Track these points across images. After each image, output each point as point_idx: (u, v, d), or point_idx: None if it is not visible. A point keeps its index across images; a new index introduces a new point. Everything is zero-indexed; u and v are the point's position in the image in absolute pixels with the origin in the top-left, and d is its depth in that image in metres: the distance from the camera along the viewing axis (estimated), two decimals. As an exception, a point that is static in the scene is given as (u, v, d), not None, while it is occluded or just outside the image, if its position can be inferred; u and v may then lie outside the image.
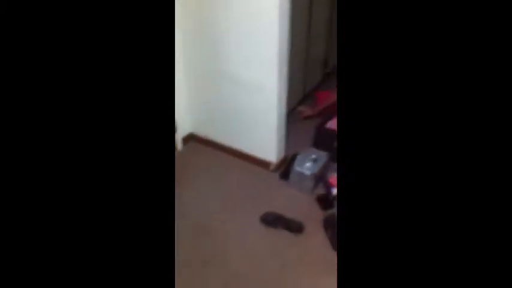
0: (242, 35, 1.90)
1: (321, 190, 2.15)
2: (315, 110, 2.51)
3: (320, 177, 2.14)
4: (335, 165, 2.24)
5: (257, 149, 2.32)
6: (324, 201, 2.06)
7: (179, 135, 2.48)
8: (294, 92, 2.65)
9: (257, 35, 1.84)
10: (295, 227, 1.93)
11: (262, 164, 2.33)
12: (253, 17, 1.79)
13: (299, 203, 2.10)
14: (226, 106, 2.26)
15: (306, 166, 2.10)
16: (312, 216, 2.00)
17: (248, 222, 1.98)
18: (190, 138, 2.59)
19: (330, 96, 2.54)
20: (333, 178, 2.08)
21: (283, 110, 2.15)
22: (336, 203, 2.05)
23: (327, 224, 1.93)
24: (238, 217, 2.02)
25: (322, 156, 2.16)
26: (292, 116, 2.70)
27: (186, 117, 2.48)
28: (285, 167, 2.28)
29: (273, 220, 1.97)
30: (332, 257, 1.79)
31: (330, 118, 2.38)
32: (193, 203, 2.11)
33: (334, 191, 2.06)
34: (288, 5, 1.77)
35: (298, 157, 2.19)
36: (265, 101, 2.06)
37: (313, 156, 2.13)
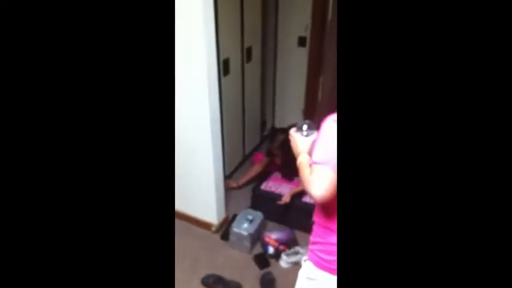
0: (178, 101, 1.99)
1: (258, 249, 2.28)
2: (239, 182, 2.76)
3: (257, 237, 2.29)
4: (270, 224, 2.41)
5: (199, 210, 2.44)
6: (260, 260, 2.19)
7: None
8: (233, 155, 2.86)
9: (190, 103, 2.03)
10: (233, 288, 2.03)
11: (205, 225, 2.45)
12: (186, 85, 1.98)
13: (238, 263, 2.22)
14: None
15: (243, 227, 2.25)
16: (250, 276, 2.12)
17: (189, 285, 2.05)
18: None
19: (261, 161, 2.79)
20: (268, 237, 2.24)
21: (221, 173, 2.33)
22: (271, 261, 2.20)
23: (263, 282, 2.05)
24: (179, 279, 2.07)
25: (258, 216, 2.33)
26: (232, 178, 2.89)
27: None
28: (226, 228, 2.41)
29: (213, 282, 2.06)
30: (268, 315, 1.89)
31: (264, 180, 2.59)
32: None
33: (270, 249, 2.21)
34: (215, 76, 2.00)
35: (237, 218, 2.34)
36: (202, 164, 2.22)
37: (250, 217, 2.30)
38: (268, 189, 2.50)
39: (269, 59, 3.18)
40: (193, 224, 2.47)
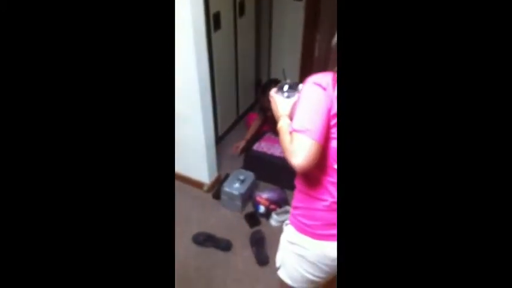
0: None
1: (249, 208, 2.30)
2: (245, 140, 2.69)
3: (248, 196, 2.30)
4: (261, 184, 2.42)
5: (191, 170, 2.44)
6: (251, 219, 2.22)
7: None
8: (226, 114, 2.81)
9: (178, 73, 1.97)
10: (223, 245, 2.07)
11: (196, 184, 2.46)
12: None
13: (229, 222, 2.25)
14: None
15: (235, 187, 2.25)
16: (240, 234, 2.15)
17: (180, 242, 2.09)
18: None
19: (254, 120, 2.74)
20: (260, 197, 2.24)
21: (211, 135, 2.29)
22: (261, 220, 2.22)
23: (253, 240, 2.08)
24: (170, 239, 2.12)
25: (250, 176, 2.33)
26: (226, 138, 2.86)
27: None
28: (217, 188, 2.41)
29: (203, 240, 2.09)
30: (257, 271, 1.94)
31: (256, 140, 2.56)
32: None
33: (261, 208, 2.23)
34: (203, 31, 1.90)
35: (228, 178, 2.34)
36: (192, 130, 2.19)
37: (241, 177, 2.29)
38: (260, 149, 2.48)
39: (264, 13, 3.02)
40: (185, 183, 2.48)
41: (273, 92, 1.15)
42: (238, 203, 2.25)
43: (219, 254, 2.04)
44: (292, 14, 2.95)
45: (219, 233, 2.13)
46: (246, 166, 2.49)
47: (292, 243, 1.15)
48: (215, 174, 2.48)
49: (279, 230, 2.15)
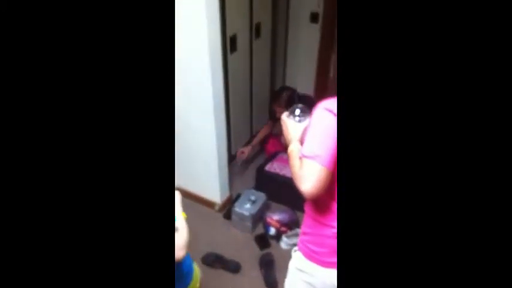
0: (181, 86, 2.03)
1: (260, 230, 2.28)
2: (248, 151, 2.68)
3: (259, 218, 2.28)
4: (272, 205, 2.40)
5: (202, 189, 2.44)
6: (261, 241, 2.19)
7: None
8: (239, 134, 2.82)
9: (193, 87, 2.00)
10: (232, 267, 2.04)
11: (208, 203, 2.45)
12: (188, 73, 1.96)
13: (239, 243, 2.22)
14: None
15: (245, 207, 2.24)
16: (250, 256, 2.12)
17: (189, 263, 2.07)
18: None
19: (264, 126, 2.73)
20: (270, 218, 2.22)
21: (224, 154, 2.30)
22: (271, 242, 2.19)
23: (262, 263, 2.05)
24: (179, 258, 2.11)
25: (261, 197, 2.31)
26: (239, 158, 2.87)
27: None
28: (229, 208, 2.40)
29: (212, 261, 2.07)
30: (265, 295, 1.91)
31: (269, 161, 2.55)
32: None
33: (272, 230, 2.20)
34: (219, 53, 1.94)
35: (240, 198, 2.33)
36: (206, 145, 2.20)
37: (252, 197, 2.28)
38: (272, 170, 2.47)
39: (280, 35, 3.07)
40: (196, 201, 2.47)
41: (285, 116, 1.15)
42: (249, 223, 2.23)
43: (228, 276, 2.01)
44: (307, 36, 2.98)
45: (229, 253, 2.11)
46: (258, 186, 2.48)
47: (300, 270, 1.13)
48: (227, 194, 2.48)
49: (289, 253, 2.11)
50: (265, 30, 2.77)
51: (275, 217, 2.23)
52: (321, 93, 2.92)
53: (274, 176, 2.43)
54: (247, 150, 2.66)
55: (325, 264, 1.05)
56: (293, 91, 2.58)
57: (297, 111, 1.12)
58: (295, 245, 2.10)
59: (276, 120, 2.56)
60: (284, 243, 2.16)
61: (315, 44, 2.93)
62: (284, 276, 1.31)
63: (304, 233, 1.11)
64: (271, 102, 2.74)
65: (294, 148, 1.05)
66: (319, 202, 1.01)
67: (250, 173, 2.69)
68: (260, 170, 2.50)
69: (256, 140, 2.72)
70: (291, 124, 1.12)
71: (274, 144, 2.81)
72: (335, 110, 0.91)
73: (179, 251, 0.95)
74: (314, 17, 2.89)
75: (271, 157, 2.59)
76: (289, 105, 2.28)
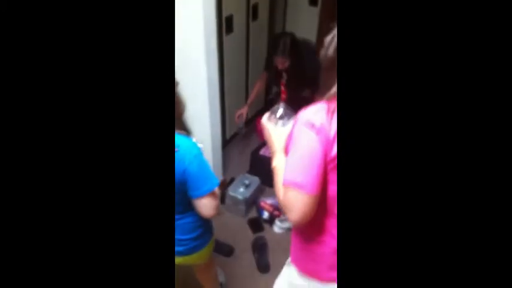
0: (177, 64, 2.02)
1: (253, 214, 2.28)
2: (247, 105, 2.52)
3: (252, 202, 2.28)
4: (266, 190, 2.39)
5: (197, 173, 2.43)
6: (254, 225, 2.20)
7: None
8: (234, 119, 2.80)
9: (187, 69, 1.97)
10: (226, 250, 2.05)
11: (202, 187, 2.45)
12: (181, 54, 1.92)
13: (232, 226, 2.22)
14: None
15: (239, 191, 2.23)
16: (243, 239, 2.13)
17: (182, 246, 2.07)
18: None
19: (258, 80, 2.52)
20: (264, 202, 2.22)
21: (218, 139, 2.28)
22: (265, 226, 2.20)
23: (255, 246, 2.06)
24: (172, 241, 2.11)
25: (255, 181, 2.31)
26: (233, 142, 2.85)
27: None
28: (222, 192, 2.40)
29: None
30: (257, 277, 1.92)
31: (263, 145, 2.54)
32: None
33: (265, 214, 2.21)
34: (214, 35, 1.89)
35: (233, 182, 2.32)
36: (200, 130, 2.18)
37: (246, 181, 2.27)
38: (267, 154, 2.46)
39: (278, 18, 3.01)
40: (190, 185, 2.47)
41: (265, 119, 1.01)
42: (243, 207, 2.23)
43: (221, 259, 2.02)
44: (306, 19, 2.93)
45: (222, 237, 2.11)
46: (252, 171, 2.47)
47: (295, 285, 1.07)
48: (220, 178, 2.47)
49: (282, 237, 2.14)
50: (263, 12, 2.71)
51: (269, 201, 2.22)
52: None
53: (268, 160, 2.41)
54: (244, 110, 2.47)
55: (323, 278, 0.99)
56: (292, 35, 2.18)
57: (280, 112, 0.98)
58: (288, 229, 2.13)
59: (272, 71, 2.30)
60: (277, 227, 2.17)
61: (313, 27, 2.88)
62: (277, 259, 1.30)
63: (298, 249, 1.03)
64: (269, 51, 2.45)
65: (277, 163, 0.93)
66: (310, 221, 0.89)
67: (243, 157, 2.68)
68: (254, 154, 2.49)
69: (251, 97, 2.50)
70: (273, 130, 0.99)
71: None
72: (317, 124, 0.79)
73: (211, 210, 1.15)
74: (313, 0, 2.83)
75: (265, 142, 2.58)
76: (293, 55, 2.04)
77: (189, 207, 1.18)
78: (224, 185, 2.43)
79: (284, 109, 1.00)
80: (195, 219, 1.24)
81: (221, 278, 1.83)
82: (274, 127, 1.00)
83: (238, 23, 2.44)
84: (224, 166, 2.49)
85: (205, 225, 1.31)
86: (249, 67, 2.77)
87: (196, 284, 1.67)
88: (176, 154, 1.08)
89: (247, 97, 2.88)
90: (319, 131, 0.78)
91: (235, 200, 2.23)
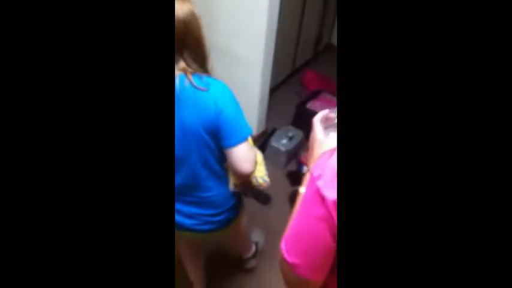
0: (232, 9, 1.93)
1: (293, 166, 2.28)
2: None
3: (293, 155, 2.26)
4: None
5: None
6: (293, 178, 2.20)
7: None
8: (282, 66, 2.70)
9: (246, 10, 1.87)
10: (263, 198, 2.08)
11: (243, 134, 2.44)
12: None
13: (271, 176, 2.23)
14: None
15: (282, 143, 2.21)
16: (281, 190, 2.15)
17: (221, 189, 2.12)
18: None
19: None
20: (305, 157, 2.20)
21: (267, 85, 2.23)
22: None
23: (292, 199, 2.08)
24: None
25: (298, 134, 2.27)
26: (278, 91, 2.78)
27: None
28: (263, 141, 2.39)
29: (244, 189, 2.11)
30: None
31: (311, 98, 2.47)
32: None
33: (305, 169, 2.20)
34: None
35: (276, 133, 2.29)
36: (249, 74, 2.12)
37: (290, 134, 2.24)
38: (313, 108, 2.39)
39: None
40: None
41: (318, 120, 0.79)
42: (283, 159, 2.23)
43: (257, 206, 2.06)
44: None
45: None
46: (295, 123, 2.43)
47: None
48: (263, 127, 2.45)
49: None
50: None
51: (310, 157, 2.21)
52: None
53: (314, 115, 2.36)
54: None
55: None
56: None
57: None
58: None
59: None
60: (316, 183, 2.17)
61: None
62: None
63: None
64: None
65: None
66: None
67: (287, 110, 2.62)
68: (300, 107, 2.43)
69: None
70: (320, 139, 0.75)
71: (314, 80, 2.69)
72: (323, 190, 0.57)
73: (249, 163, 1.13)
74: None
75: (314, 95, 2.50)
76: None
77: (218, 181, 1.16)
78: (265, 135, 2.42)
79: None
80: (225, 190, 1.22)
81: (258, 238, 1.87)
82: (325, 137, 0.76)
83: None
84: (267, 115, 2.45)
85: (236, 195, 1.29)
86: (304, 15, 2.62)
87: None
88: (204, 94, 0.96)
89: (297, 44, 2.76)
90: (322, 199, 0.57)
91: (276, 151, 2.22)
